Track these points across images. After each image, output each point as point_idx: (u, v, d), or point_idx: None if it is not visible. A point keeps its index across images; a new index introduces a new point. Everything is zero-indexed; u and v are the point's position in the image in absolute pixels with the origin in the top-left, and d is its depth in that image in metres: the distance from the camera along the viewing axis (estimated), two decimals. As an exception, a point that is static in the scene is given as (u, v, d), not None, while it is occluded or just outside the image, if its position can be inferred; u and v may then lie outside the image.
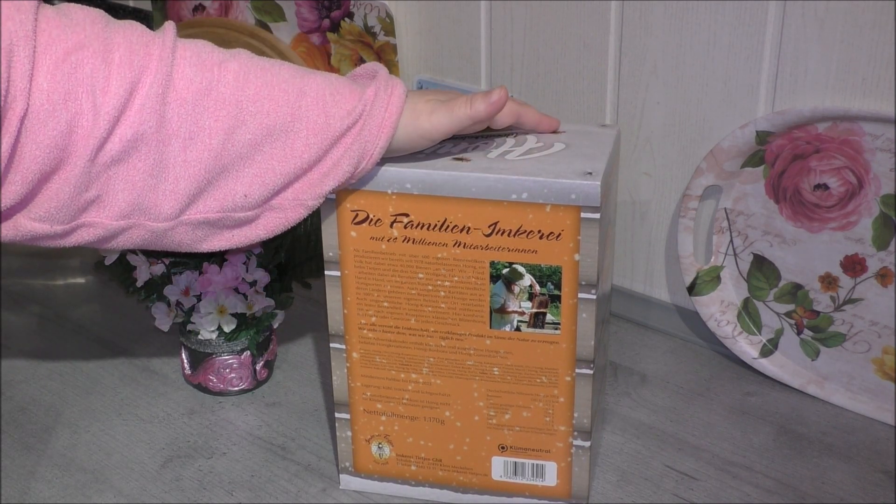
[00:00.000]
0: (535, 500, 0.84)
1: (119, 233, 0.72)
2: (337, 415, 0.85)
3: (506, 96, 0.75)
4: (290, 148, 0.72)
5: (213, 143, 0.71)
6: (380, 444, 0.85)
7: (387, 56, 1.13)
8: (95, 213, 0.70)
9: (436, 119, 0.74)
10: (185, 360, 0.99)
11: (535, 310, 0.78)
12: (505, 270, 0.77)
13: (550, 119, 0.82)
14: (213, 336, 0.96)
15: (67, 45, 0.66)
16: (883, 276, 0.91)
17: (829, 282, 0.94)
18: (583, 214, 0.74)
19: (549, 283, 0.77)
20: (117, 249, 0.78)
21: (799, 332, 0.98)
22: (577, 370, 0.79)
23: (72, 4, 0.70)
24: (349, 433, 0.86)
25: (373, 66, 0.78)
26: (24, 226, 0.69)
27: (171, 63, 0.69)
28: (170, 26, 0.72)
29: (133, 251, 0.96)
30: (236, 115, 0.71)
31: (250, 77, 0.72)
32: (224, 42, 1.23)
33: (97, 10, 0.71)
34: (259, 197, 0.73)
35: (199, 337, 0.96)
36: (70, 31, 0.67)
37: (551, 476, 0.83)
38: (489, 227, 0.76)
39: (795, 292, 0.97)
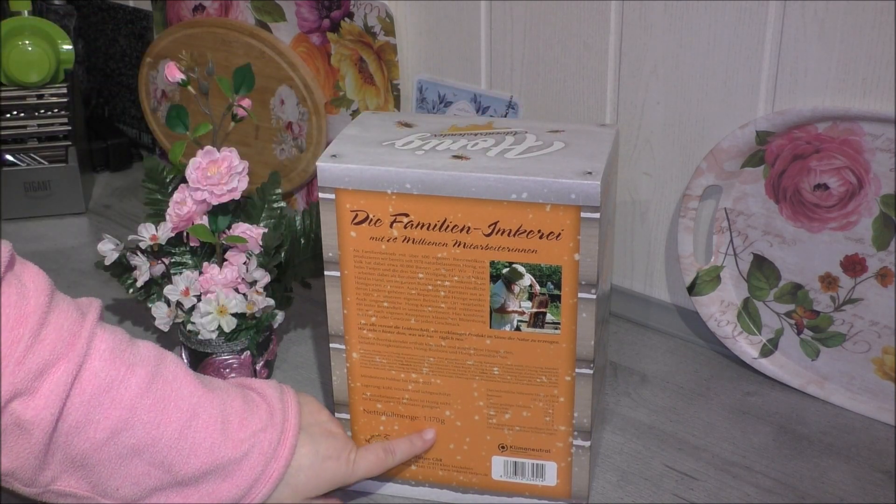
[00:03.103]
0: (535, 500, 0.84)
1: None
2: (337, 415, 0.85)
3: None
4: (170, 463, 0.74)
5: (97, 437, 0.72)
6: (380, 443, 0.85)
7: (387, 56, 1.13)
8: None
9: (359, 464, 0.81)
10: (185, 360, 0.99)
11: (535, 309, 0.78)
12: (505, 270, 0.77)
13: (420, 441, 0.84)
14: (213, 336, 0.96)
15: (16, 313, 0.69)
16: (883, 276, 0.91)
17: (829, 282, 0.94)
18: (583, 214, 0.74)
19: (549, 283, 0.77)
20: None
21: (799, 332, 0.98)
22: (577, 370, 0.79)
23: (26, 269, 0.73)
24: (349, 433, 0.86)
25: (270, 391, 0.81)
26: None
27: (85, 355, 0.71)
28: (95, 307, 0.75)
29: (133, 251, 0.96)
30: (128, 418, 0.72)
31: (153, 387, 0.74)
32: (224, 42, 1.23)
33: (45, 279, 0.73)
34: (129, 496, 0.74)
35: (199, 337, 0.96)
36: (20, 302, 0.69)
37: (551, 476, 0.83)
38: (489, 226, 0.76)
39: (795, 292, 0.97)
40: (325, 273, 0.80)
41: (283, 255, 0.98)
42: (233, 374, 0.98)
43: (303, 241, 1.00)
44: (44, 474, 0.72)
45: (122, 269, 0.98)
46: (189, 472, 0.74)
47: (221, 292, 0.94)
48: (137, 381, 0.73)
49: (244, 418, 0.77)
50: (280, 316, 0.99)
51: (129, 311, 1.12)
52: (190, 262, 0.97)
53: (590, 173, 0.74)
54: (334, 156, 0.78)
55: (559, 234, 0.75)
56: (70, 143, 1.35)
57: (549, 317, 0.78)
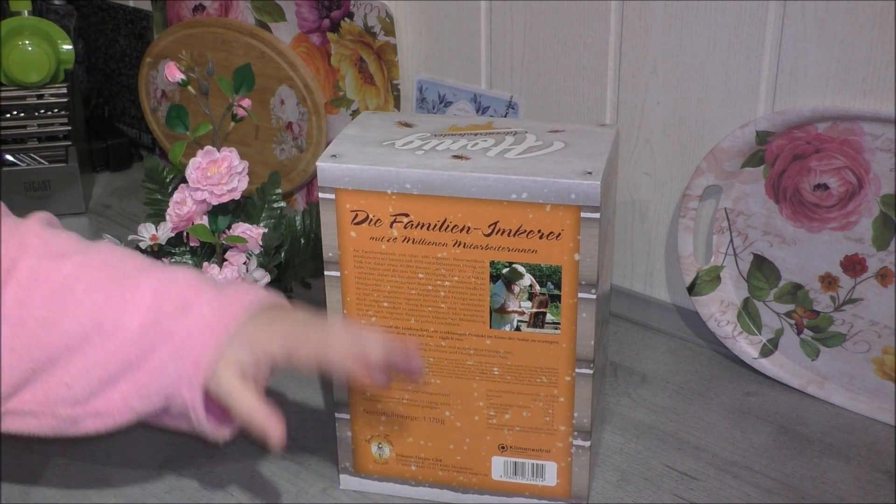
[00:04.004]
0: (535, 500, 0.84)
1: None
2: (337, 415, 0.85)
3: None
4: (116, 342, 0.72)
5: (37, 329, 0.71)
6: (380, 444, 0.85)
7: (387, 56, 1.13)
8: None
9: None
10: (185, 360, 0.99)
11: (535, 309, 0.78)
12: (505, 270, 0.77)
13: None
14: (213, 336, 0.95)
15: None
16: (883, 276, 0.91)
17: (829, 282, 0.94)
18: (583, 214, 0.74)
19: (549, 283, 0.77)
20: None
21: (799, 332, 0.98)
22: (577, 370, 0.79)
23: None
24: (349, 433, 0.86)
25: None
26: None
27: (19, 253, 0.72)
28: (36, 217, 0.76)
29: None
30: (63, 305, 0.71)
31: (88, 269, 0.73)
32: (224, 42, 1.23)
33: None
34: (82, 391, 0.72)
35: (199, 337, 0.96)
36: None
37: (551, 476, 0.83)
38: (489, 226, 0.76)
39: (795, 292, 0.97)
40: (325, 273, 0.80)
41: (283, 255, 0.98)
42: (233, 374, 0.98)
43: (303, 241, 1.00)
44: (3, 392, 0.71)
45: (122, 269, 0.98)
46: (131, 337, 0.71)
47: (221, 292, 0.94)
48: (71, 266, 0.72)
49: (185, 288, 0.74)
50: (280, 316, 0.99)
51: (129, 311, 1.12)
52: (190, 262, 0.97)
53: (590, 173, 0.74)
54: (334, 156, 0.78)
55: (559, 234, 0.75)
56: (70, 143, 1.35)
57: (549, 317, 0.78)
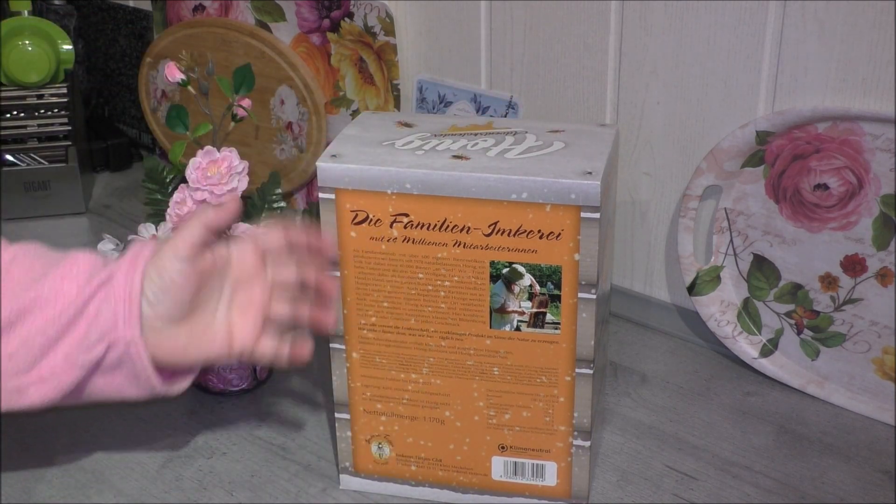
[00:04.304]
0: (535, 500, 0.84)
1: None
2: (337, 415, 0.85)
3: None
4: (55, 308, 0.73)
5: None
6: (380, 444, 0.85)
7: (387, 56, 1.13)
8: None
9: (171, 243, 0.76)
10: (185, 360, 0.99)
11: (535, 309, 0.78)
12: (505, 270, 0.77)
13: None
14: (213, 336, 0.95)
15: None
16: (883, 276, 0.91)
17: (829, 282, 0.94)
18: (583, 214, 0.74)
19: (549, 283, 0.77)
20: None
21: (799, 332, 0.98)
22: (577, 370, 0.79)
23: None
24: (349, 433, 0.86)
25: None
26: None
27: None
28: None
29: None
30: (3, 287, 0.73)
31: (25, 255, 0.75)
32: (224, 42, 1.23)
33: None
34: (24, 360, 0.73)
35: (199, 337, 0.96)
36: None
37: (551, 476, 0.83)
38: (489, 226, 0.76)
39: (795, 292, 0.97)
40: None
41: (283, 255, 0.98)
42: (233, 375, 0.98)
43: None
44: None
45: (122, 269, 0.98)
46: (69, 300, 0.73)
47: (221, 292, 0.94)
48: (7, 256, 0.74)
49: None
50: (280, 316, 0.99)
51: (129, 311, 1.12)
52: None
53: (590, 173, 0.74)
54: (334, 156, 0.78)
55: (559, 234, 0.75)
56: (70, 143, 1.35)
57: (549, 317, 0.78)
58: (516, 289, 0.77)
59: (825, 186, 0.92)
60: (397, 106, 1.15)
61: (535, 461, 0.83)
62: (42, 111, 1.33)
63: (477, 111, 1.12)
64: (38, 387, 0.74)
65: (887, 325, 0.92)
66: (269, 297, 0.79)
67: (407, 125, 0.84)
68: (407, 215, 0.77)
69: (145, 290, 0.74)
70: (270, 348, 0.79)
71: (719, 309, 1.01)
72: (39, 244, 0.77)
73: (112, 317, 0.73)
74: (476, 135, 0.81)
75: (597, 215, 0.74)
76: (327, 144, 0.99)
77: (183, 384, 0.79)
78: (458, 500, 0.86)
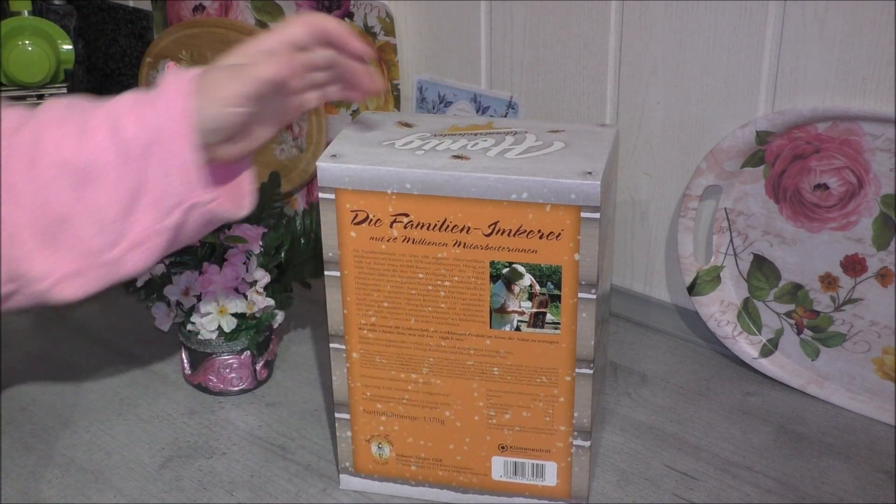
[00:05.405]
0: (535, 500, 0.84)
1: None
2: (337, 415, 0.85)
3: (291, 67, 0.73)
4: (111, 177, 0.71)
5: (39, 195, 0.71)
6: (380, 444, 0.85)
7: (387, 56, 1.13)
8: None
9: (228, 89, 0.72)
10: (185, 360, 0.99)
11: (535, 309, 0.78)
12: (505, 270, 0.77)
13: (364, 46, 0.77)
14: (213, 336, 0.96)
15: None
16: (883, 276, 0.91)
17: (829, 282, 0.94)
18: (583, 214, 0.74)
19: (549, 283, 0.77)
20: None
21: (799, 332, 0.98)
22: (577, 370, 0.79)
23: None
24: (349, 433, 0.86)
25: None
26: None
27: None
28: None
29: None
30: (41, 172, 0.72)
31: (49, 124, 0.75)
32: (224, 42, 1.23)
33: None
34: (112, 225, 0.71)
35: (199, 337, 0.96)
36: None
37: (551, 476, 0.83)
38: (489, 226, 0.76)
39: (795, 292, 0.97)
40: (325, 273, 0.80)
41: (283, 255, 0.98)
42: (233, 375, 0.98)
43: (303, 241, 1.00)
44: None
45: (122, 269, 0.98)
46: (117, 169, 0.71)
47: (221, 292, 0.94)
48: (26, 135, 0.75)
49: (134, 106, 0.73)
50: (280, 316, 0.99)
51: (129, 311, 1.12)
52: (190, 261, 0.97)
53: (590, 173, 0.74)
54: (334, 156, 0.78)
55: (559, 234, 0.75)
56: (70, 143, 1.34)
57: (549, 317, 0.78)
58: (516, 289, 0.77)
59: (825, 186, 0.92)
60: (397, 106, 1.15)
61: (535, 461, 0.83)
62: (42, 111, 1.33)
63: (477, 111, 1.12)
64: (133, 254, 0.73)
65: (887, 325, 0.92)
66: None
67: (407, 125, 0.84)
68: (407, 215, 0.77)
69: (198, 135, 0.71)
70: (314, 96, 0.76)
71: (719, 309, 1.01)
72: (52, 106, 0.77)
73: (170, 178, 0.71)
74: (476, 135, 0.82)
75: (597, 215, 0.74)
76: (327, 144, 0.99)
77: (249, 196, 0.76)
78: (458, 500, 0.86)
